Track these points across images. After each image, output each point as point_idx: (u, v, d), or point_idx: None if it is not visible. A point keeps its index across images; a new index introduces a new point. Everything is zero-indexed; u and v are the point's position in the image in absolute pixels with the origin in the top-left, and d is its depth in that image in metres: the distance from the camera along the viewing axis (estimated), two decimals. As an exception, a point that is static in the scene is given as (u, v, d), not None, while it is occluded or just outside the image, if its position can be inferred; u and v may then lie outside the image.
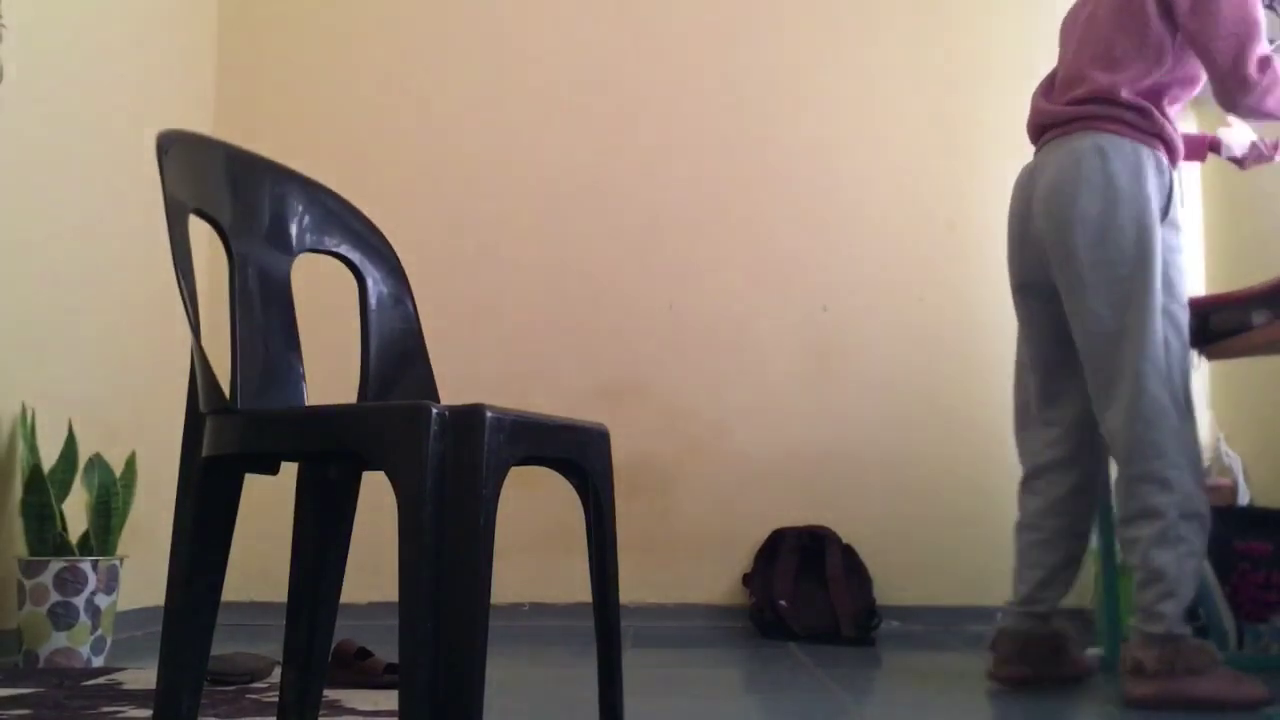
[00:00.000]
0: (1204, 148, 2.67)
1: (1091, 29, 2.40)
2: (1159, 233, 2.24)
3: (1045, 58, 3.88)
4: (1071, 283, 2.27)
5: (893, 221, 3.74)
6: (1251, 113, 2.28)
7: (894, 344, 3.68)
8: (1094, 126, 2.29)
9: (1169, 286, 2.24)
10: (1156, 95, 2.30)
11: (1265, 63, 2.22)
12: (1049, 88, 2.52)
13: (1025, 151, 3.78)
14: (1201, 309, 2.50)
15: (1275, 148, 2.62)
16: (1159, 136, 2.29)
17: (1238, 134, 2.62)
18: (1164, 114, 2.31)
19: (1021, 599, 2.44)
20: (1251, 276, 3.25)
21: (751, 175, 3.78)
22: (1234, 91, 2.23)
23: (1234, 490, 3.25)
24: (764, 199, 3.77)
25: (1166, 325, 2.22)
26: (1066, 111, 2.36)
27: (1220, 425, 3.54)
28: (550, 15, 3.87)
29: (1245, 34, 2.19)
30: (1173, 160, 2.32)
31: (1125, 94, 2.28)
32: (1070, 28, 2.55)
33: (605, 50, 3.85)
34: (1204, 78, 2.33)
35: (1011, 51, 3.78)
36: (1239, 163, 2.65)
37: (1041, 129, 2.45)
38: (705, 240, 3.76)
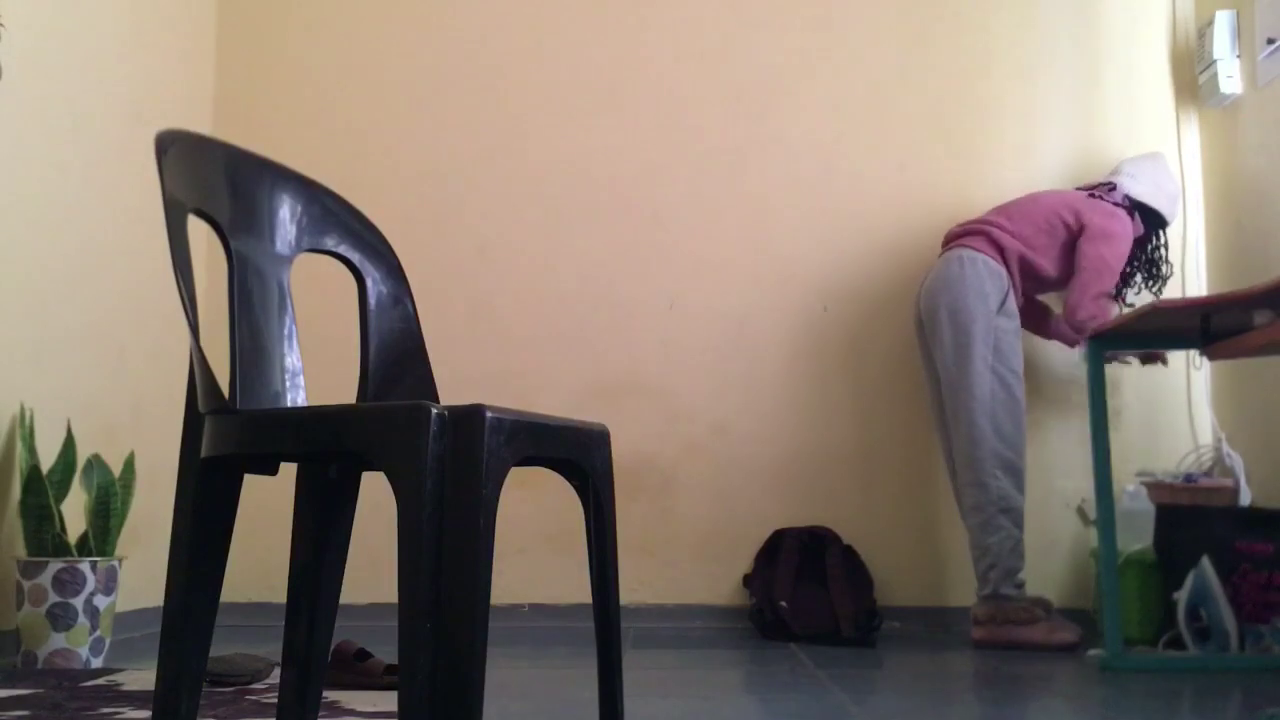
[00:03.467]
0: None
1: (1021, 206, 3.31)
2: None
3: (1045, 57, 3.90)
4: (935, 346, 3.27)
5: (893, 221, 3.74)
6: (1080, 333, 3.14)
7: (894, 344, 3.68)
8: (963, 244, 3.28)
9: (1000, 353, 3.15)
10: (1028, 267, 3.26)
11: (1105, 302, 3.16)
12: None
13: (1025, 152, 3.79)
14: (1202, 309, 2.50)
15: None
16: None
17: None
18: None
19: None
20: (1251, 276, 3.25)
21: (752, 175, 3.78)
22: (1072, 318, 3.17)
23: (1235, 491, 3.24)
24: (764, 199, 3.77)
25: (994, 380, 3.13)
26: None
27: (1221, 426, 3.54)
28: (550, 15, 3.86)
29: (1106, 276, 3.17)
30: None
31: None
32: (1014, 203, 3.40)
33: (605, 50, 3.85)
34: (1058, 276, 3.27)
35: (1012, 52, 3.78)
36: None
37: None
38: (705, 240, 3.76)
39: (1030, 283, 3.28)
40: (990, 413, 3.10)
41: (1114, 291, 3.23)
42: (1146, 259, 3.38)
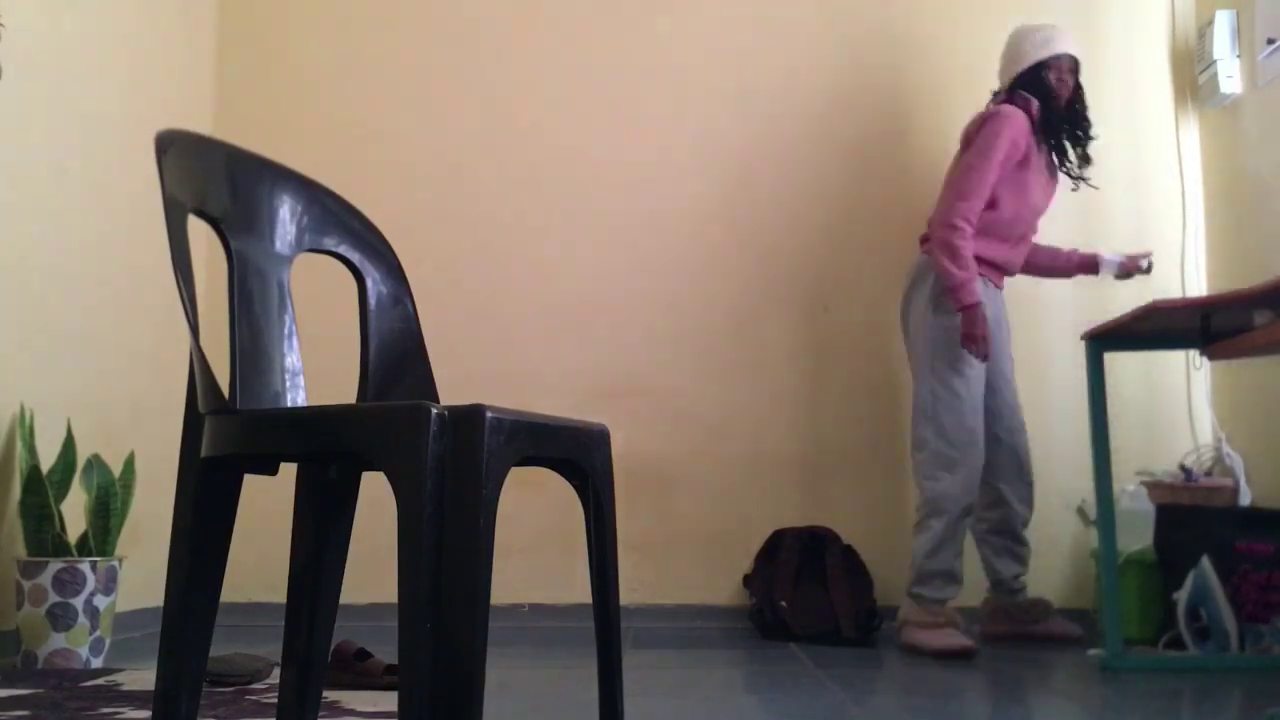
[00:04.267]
0: (1075, 266, 3.40)
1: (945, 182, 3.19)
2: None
3: (1045, 57, 3.86)
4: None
5: (893, 222, 3.74)
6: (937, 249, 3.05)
7: (894, 344, 3.68)
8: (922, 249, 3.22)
9: (938, 353, 3.06)
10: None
11: (962, 231, 3.03)
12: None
13: (1025, 151, 3.75)
14: (1202, 309, 2.51)
15: (1137, 262, 3.34)
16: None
17: (1110, 256, 3.38)
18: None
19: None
20: (1252, 276, 3.25)
21: (752, 175, 3.78)
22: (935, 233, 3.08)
23: (1235, 491, 3.24)
24: (764, 199, 3.77)
25: (934, 381, 3.06)
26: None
27: (1221, 426, 3.54)
28: (550, 15, 3.87)
29: (960, 193, 3.06)
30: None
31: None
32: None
33: (605, 50, 3.85)
34: (1006, 205, 3.12)
35: (1011, 51, 3.77)
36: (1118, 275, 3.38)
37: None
38: (705, 240, 3.76)
39: (1002, 239, 3.15)
40: (930, 418, 3.06)
41: (970, 196, 3.03)
42: (1066, 111, 3.19)
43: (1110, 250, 3.47)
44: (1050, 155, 3.22)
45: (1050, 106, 3.17)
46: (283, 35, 3.88)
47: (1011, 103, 3.15)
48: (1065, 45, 3.17)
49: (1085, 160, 3.25)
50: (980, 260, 3.11)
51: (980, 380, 3.08)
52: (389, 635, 3.18)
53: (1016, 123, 3.08)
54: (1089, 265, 3.38)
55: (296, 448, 1.32)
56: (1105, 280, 3.62)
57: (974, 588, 3.29)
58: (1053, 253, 3.41)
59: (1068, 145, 3.23)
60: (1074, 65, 3.18)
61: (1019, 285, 3.53)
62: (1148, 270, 3.34)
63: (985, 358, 3.00)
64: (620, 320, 3.73)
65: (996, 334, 3.13)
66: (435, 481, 1.18)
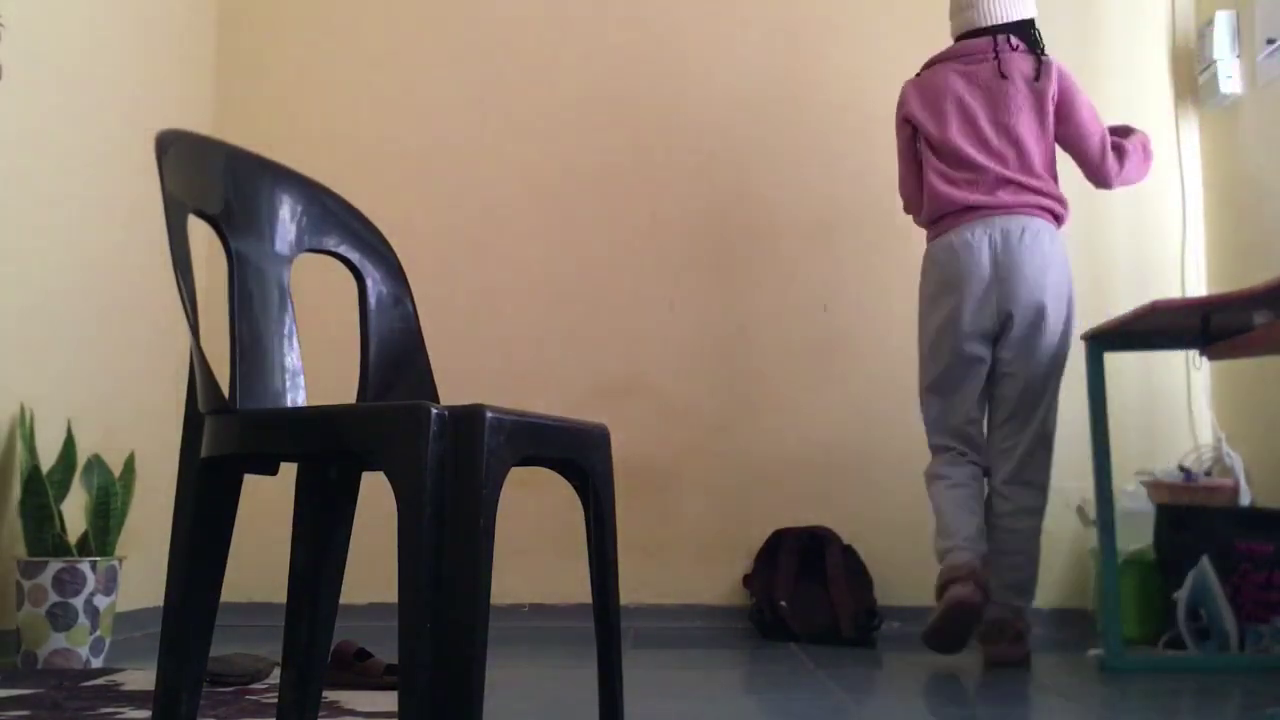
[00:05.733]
0: None
1: (1021, 147, 2.95)
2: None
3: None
4: (1028, 332, 2.90)
5: (893, 221, 3.74)
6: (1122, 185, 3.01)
7: (894, 344, 3.68)
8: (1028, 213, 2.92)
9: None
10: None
11: (1118, 151, 2.96)
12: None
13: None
14: (1202, 309, 2.51)
15: None
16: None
17: None
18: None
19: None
20: (1252, 276, 3.25)
21: (752, 175, 3.78)
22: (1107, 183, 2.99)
23: (1235, 490, 3.24)
24: (764, 198, 3.77)
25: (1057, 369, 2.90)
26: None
27: (1221, 425, 3.54)
28: (550, 15, 3.87)
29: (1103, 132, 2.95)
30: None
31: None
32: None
33: (605, 49, 3.85)
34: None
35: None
36: None
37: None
38: (705, 240, 3.76)
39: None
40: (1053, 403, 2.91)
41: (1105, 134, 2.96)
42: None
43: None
44: None
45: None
46: (283, 35, 3.88)
47: (1033, 50, 2.99)
48: None
49: None
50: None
51: None
52: (389, 635, 3.18)
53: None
54: None
55: (296, 448, 1.32)
56: (1105, 279, 3.63)
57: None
58: None
59: None
60: None
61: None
62: None
63: None
64: (620, 320, 3.73)
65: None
66: (435, 481, 1.18)
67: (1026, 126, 2.92)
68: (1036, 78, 2.94)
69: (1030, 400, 2.88)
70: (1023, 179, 2.89)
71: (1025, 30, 3.02)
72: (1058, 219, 2.93)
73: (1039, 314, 2.82)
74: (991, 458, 2.95)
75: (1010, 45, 2.99)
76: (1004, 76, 2.95)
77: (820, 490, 3.64)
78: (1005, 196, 2.88)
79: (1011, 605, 2.83)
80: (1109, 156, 2.94)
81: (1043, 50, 3.01)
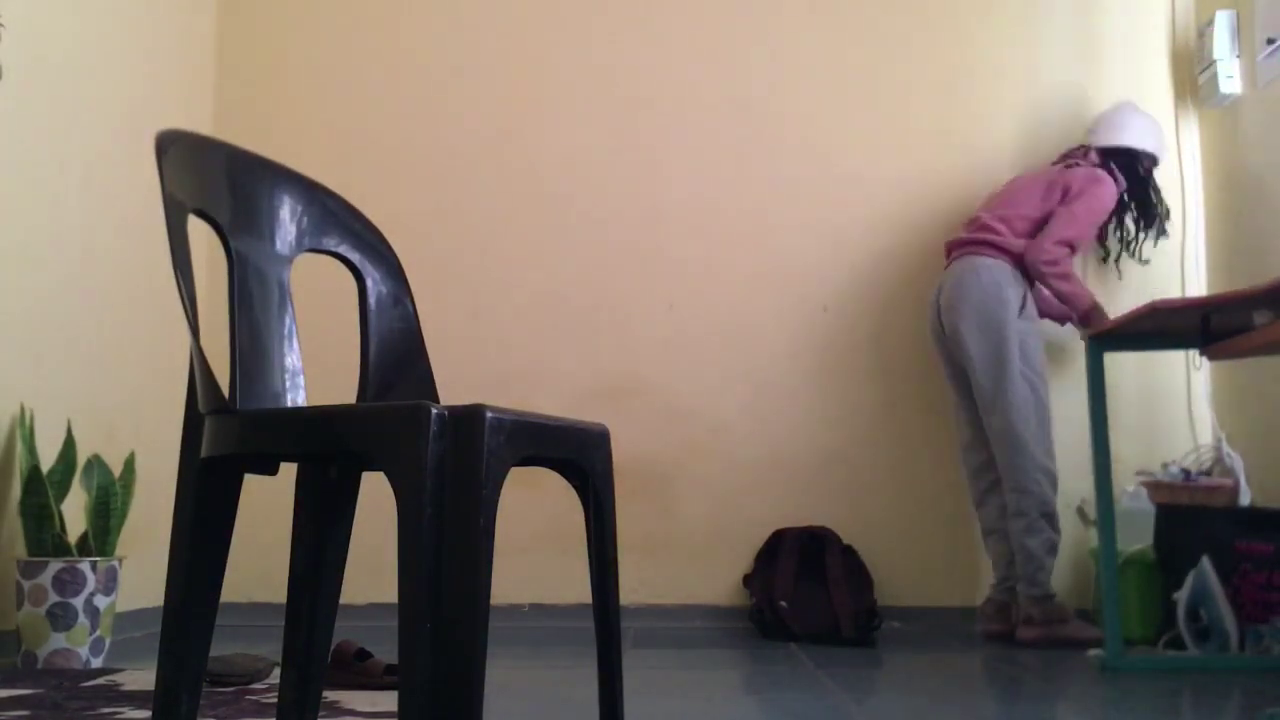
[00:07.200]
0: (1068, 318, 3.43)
1: (1012, 201, 3.31)
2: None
3: (1045, 58, 3.89)
4: (964, 358, 3.26)
5: (892, 221, 3.74)
6: (1043, 282, 3.22)
7: (894, 344, 3.68)
8: (972, 252, 3.27)
9: (1026, 358, 3.16)
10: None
11: (1066, 251, 3.19)
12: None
13: (1025, 151, 3.79)
14: (1202, 309, 2.50)
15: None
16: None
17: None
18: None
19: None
20: (1252, 276, 3.25)
21: (752, 175, 3.78)
22: (1031, 255, 3.20)
23: (1235, 490, 3.24)
24: (764, 199, 3.77)
25: (1025, 385, 3.16)
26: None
27: (1221, 425, 3.54)
28: (550, 15, 3.87)
29: (1072, 226, 3.20)
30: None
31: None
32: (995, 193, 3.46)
33: (606, 50, 3.85)
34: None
35: (1012, 52, 3.78)
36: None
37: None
38: (705, 240, 3.76)
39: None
40: (1026, 419, 3.13)
41: (1076, 245, 3.22)
42: (1137, 202, 3.44)
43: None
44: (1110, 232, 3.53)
45: (1133, 193, 3.43)
46: (283, 35, 3.88)
47: (1111, 172, 3.33)
48: (1166, 151, 3.50)
49: (1156, 236, 3.56)
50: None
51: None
52: (389, 635, 3.18)
53: (1113, 193, 3.28)
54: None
55: (296, 448, 1.32)
56: (1105, 280, 3.63)
57: (964, 587, 3.29)
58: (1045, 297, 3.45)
59: (1136, 227, 3.52)
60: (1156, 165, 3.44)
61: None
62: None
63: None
64: (620, 320, 3.73)
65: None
66: (435, 481, 1.18)
67: (1027, 191, 3.31)
68: (1068, 167, 3.33)
69: (985, 409, 3.21)
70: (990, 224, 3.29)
71: (1118, 155, 3.37)
72: (1000, 250, 3.23)
73: (958, 335, 3.22)
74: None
75: (1084, 154, 3.39)
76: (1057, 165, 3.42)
77: (820, 490, 3.64)
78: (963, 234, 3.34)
79: (1026, 594, 3.13)
80: (1059, 252, 3.17)
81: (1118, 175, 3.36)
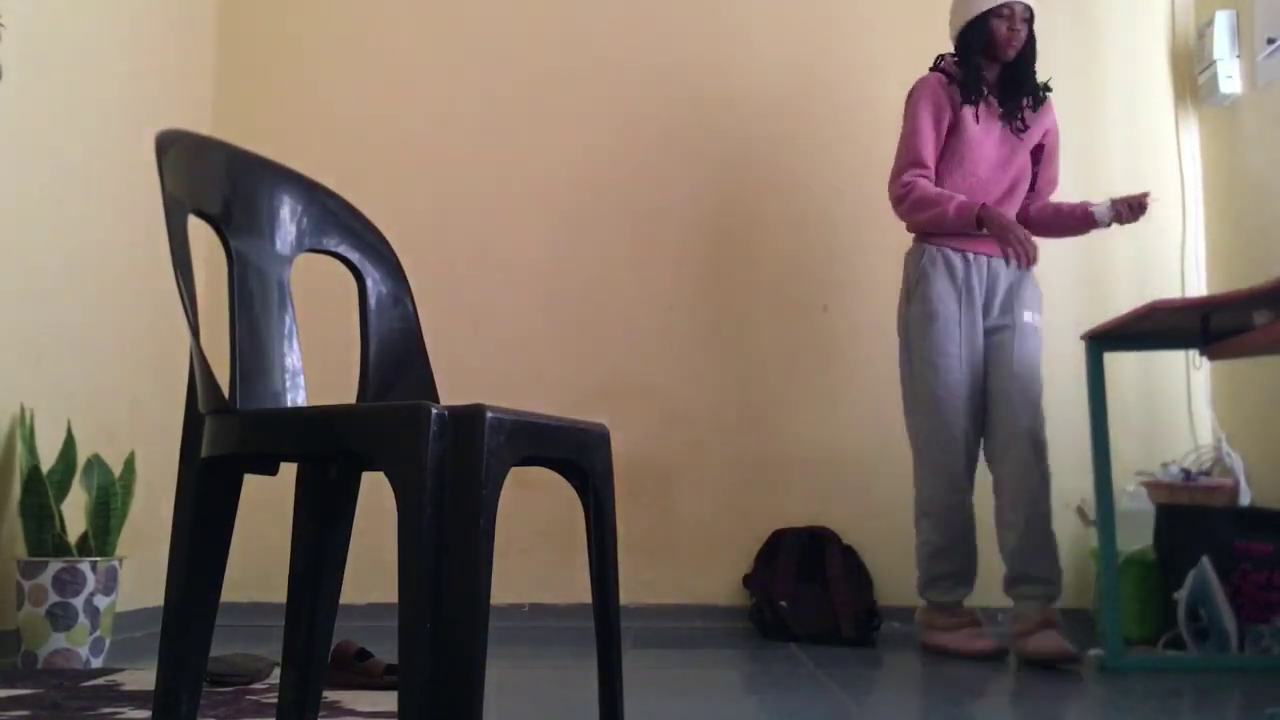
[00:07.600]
0: (1077, 221, 3.11)
1: None
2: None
3: (1045, 57, 3.88)
4: None
5: (893, 221, 3.73)
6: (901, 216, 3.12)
7: (894, 344, 3.67)
8: None
9: (911, 346, 3.07)
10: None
11: (901, 180, 3.04)
12: None
13: (1025, 151, 3.74)
14: (1202, 309, 2.51)
15: (1135, 208, 2.97)
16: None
17: (1099, 208, 3.04)
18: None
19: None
20: (1252, 276, 3.25)
21: (752, 175, 3.78)
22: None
23: (1235, 491, 3.24)
24: (764, 198, 3.77)
25: (911, 378, 3.07)
26: None
27: (1221, 425, 3.54)
28: (550, 16, 3.87)
29: (901, 151, 3.07)
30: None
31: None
32: None
33: (605, 50, 3.85)
34: (953, 177, 3.07)
35: (1011, 51, 3.77)
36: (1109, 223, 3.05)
37: None
38: (705, 240, 3.76)
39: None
40: (911, 411, 3.08)
41: (909, 165, 3.03)
42: (1012, 68, 3.06)
43: (1100, 200, 3.07)
44: (1002, 107, 3.07)
45: (996, 58, 3.04)
46: (283, 35, 3.88)
47: (934, 69, 3.14)
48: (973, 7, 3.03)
49: (1035, 105, 3.12)
50: (952, 234, 3.01)
51: (955, 370, 2.98)
52: (389, 635, 3.17)
53: (925, 89, 3.06)
54: (1085, 219, 3.08)
55: (296, 448, 1.32)
56: (1105, 279, 3.62)
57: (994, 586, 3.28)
58: (1054, 209, 3.19)
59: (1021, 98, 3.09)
60: (1028, 14, 3.01)
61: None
62: (1142, 211, 2.98)
63: (1029, 257, 2.83)
64: (620, 320, 3.73)
65: (974, 302, 3.03)
66: (435, 481, 1.18)
67: None
68: None
69: None
70: None
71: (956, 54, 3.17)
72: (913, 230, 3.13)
73: None
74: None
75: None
76: None
77: (820, 490, 3.64)
78: None
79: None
80: (897, 187, 3.06)
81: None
